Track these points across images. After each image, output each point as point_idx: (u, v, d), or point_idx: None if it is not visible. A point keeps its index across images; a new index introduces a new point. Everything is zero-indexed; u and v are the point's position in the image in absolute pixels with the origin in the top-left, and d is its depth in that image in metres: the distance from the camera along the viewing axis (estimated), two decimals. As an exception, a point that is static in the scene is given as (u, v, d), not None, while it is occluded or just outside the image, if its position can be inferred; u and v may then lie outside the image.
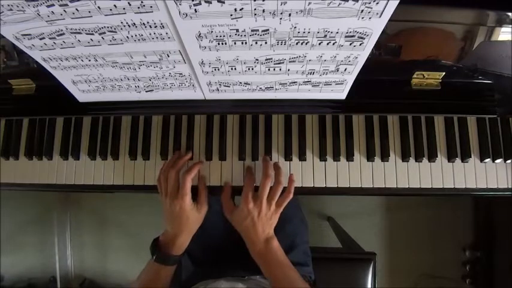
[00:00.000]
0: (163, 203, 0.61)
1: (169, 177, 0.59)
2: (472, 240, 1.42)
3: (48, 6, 0.40)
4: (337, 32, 0.44)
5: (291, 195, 0.60)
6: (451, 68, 0.59)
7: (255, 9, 0.40)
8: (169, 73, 0.54)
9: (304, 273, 0.75)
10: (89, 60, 0.51)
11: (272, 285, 0.59)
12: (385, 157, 0.63)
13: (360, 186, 0.63)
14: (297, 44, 0.46)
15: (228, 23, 0.42)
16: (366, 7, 0.39)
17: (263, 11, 0.40)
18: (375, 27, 0.43)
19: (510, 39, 0.53)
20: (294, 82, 0.56)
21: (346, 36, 0.45)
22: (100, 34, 0.45)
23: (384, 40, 0.53)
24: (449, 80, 0.62)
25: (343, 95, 0.59)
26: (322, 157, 0.64)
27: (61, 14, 0.42)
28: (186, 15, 0.41)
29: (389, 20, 0.41)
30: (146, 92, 0.60)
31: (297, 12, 0.40)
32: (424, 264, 1.44)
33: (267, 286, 0.67)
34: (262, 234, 0.59)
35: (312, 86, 0.57)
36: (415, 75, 0.62)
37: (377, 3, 0.39)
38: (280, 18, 0.41)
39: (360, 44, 0.46)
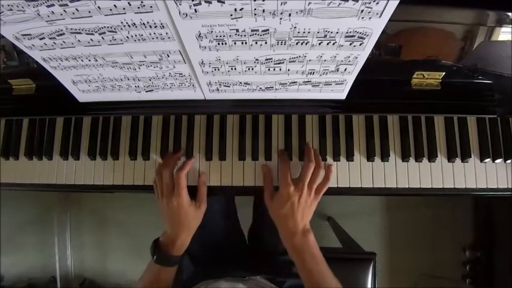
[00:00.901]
0: (160, 205, 0.61)
1: (163, 177, 0.60)
2: (472, 240, 1.42)
3: (48, 6, 0.40)
4: (337, 32, 0.44)
5: (330, 182, 0.60)
6: (451, 68, 0.59)
7: (255, 9, 0.40)
8: (169, 73, 0.54)
9: None
10: (89, 60, 0.51)
11: (305, 280, 0.57)
12: (385, 157, 0.63)
13: (360, 186, 0.63)
14: (297, 44, 0.46)
15: (228, 23, 0.42)
16: (366, 7, 0.39)
17: (263, 11, 0.40)
18: (375, 27, 0.43)
19: (510, 39, 0.53)
20: (294, 82, 0.56)
21: (346, 36, 0.45)
22: (100, 34, 0.45)
23: (384, 40, 0.53)
24: (449, 80, 0.62)
25: (343, 95, 0.59)
26: (322, 157, 0.64)
27: (61, 14, 0.42)
28: (186, 15, 0.41)
29: (390, 20, 0.41)
30: (146, 92, 0.60)
31: (297, 12, 0.40)
32: (424, 264, 1.44)
33: (267, 286, 0.67)
34: (300, 224, 0.57)
35: (312, 86, 0.57)
36: (415, 75, 0.62)
37: (377, 3, 0.39)
38: (280, 18, 0.41)
39: (360, 44, 0.46)
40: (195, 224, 0.62)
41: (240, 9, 0.40)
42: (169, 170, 0.60)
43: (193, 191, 0.63)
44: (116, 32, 0.45)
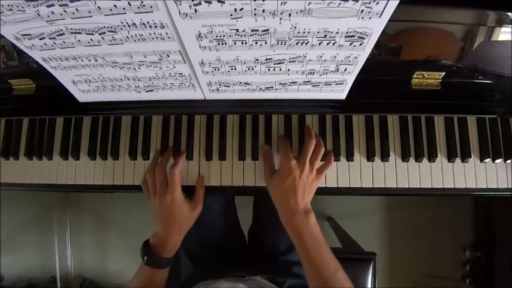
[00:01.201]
0: (152, 203, 0.61)
1: (157, 175, 0.60)
2: (472, 240, 1.42)
3: (48, 6, 0.40)
4: (337, 32, 0.44)
5: (331, 164, 0.60)
6: (451, 68, 0.59)
7: (255, 9, 0.40)
8: (169, 73, 0.54)
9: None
10: (89, 60, 0.51)
11: (304, 262, 0.55)
12: (385, 157, 0.63)
13: (360, 186, 0.63)
14: (297, 44, 0.46)
15: (228, 23, 0.42)
16: (366, 7, 0.39)
17: (263, 11, 0.40)
18: (375, 27, 0.43)
19: (510, 39, 0.53)
20: (294, 82, 0.56)
21: (346, 36, 0.45)
22: (100, 34, 0.45)
23: (384, 40, 0.53)
24: (449, 80, 0.62)
25: (343, 95, 0.59)
26: (322, 157, 0.64)
27: (61, 14, 0.42)
28: (186, 15, 0.41)
29: (390, 20, 0.41)
30: (146, 92, 0.60)
31: (297, 12, 0.40)
32: (424, 264, 1.44)
33: (267, 286, 0.67)
34: (301, 203, 0.56)
35: (312, 86, 0.57)
36: (415, 75, 0.62)
37: (377, 3, 0.39)
38: (280, 18, 0.41)
39: (360, 44, 0.46)
40: (187, 224, 0.62)
41: (240, 9, 0.40)
42: (163, 168, 0.61)
43: (192, 191, 0.63)
44: (116, 32, 0.45)
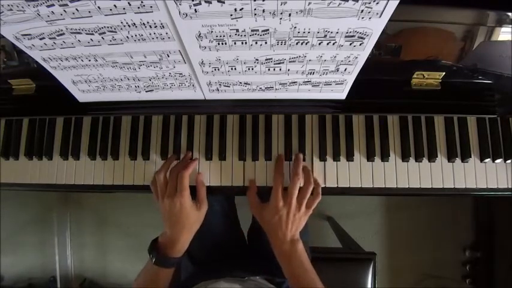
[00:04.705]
0: (161, 205, 0.60)
1: (170, 178, 0.59)
2: (472, 240, 1.42)
3: (48, 6, 0.40)
4: (337, 32, 0.44)
5: (320, 197, 0.61)
6: (451, 68, 0.59)
7: (255, 9, 0.40)
8: (169, 73, 0.54)
9: None
10: (89, 60, 0.51)
11: (292, 286, 0.59)
12: (385, 157, 0.63)
13: (360, 186, 0.63)
14: (297, 44, 0.46)
15: (228, 23, 0.42)
16: (366, 7, 0.39)
17: (263, 11, 0.40)
18: (375, 27, 0.43)
19: (510, 39, 0.53)
20: (294, 82, 0.56)
21: (346, 36, 0.45)
22: (100, 34, 0.45)
23: (383, 40, 0.53)
24: (449, 80, 0.62)
25: (343, 95, 0.59)
26: (322, 157, 0.64)
27: (61, 14, 0.42)
28: (186, 15, 0.41)
29: (389, 20, 0.41)
30: (146, 92, 0.60)
31: (297, 12, 0.40)
32: (424, 264, 1.44)
33: (266, 287, 0.67)
34: (288, 234, 0.59)
35: (312, 86, 0.57)
36: (415, 75, 0.62)
37: (377, 3, 0.39)
38: (280, 18, 0.41)
39: (360, 44, 0.46)
40: (196, 226, 0.62)
41: (240, 9, 0.40)
42: (177, 171, 0.60)
43: (192, 191, 0.63)
44: (116, 32, 0.45)
